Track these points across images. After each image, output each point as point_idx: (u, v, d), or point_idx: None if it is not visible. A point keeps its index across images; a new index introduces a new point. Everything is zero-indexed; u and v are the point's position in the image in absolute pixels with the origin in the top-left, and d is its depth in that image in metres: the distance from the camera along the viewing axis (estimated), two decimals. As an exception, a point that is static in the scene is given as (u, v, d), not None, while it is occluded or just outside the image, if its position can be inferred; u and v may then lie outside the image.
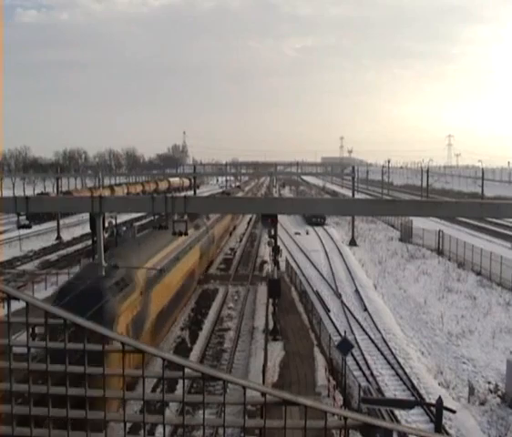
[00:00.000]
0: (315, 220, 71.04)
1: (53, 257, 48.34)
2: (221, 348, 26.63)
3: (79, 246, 52.78)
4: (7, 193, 72.93)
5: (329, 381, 21.24)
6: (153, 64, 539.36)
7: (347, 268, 44.87)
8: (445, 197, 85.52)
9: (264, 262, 46.63)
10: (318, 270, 43.86)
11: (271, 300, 29.59)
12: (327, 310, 32.62)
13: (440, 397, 13.61)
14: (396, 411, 18.30)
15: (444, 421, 15.71)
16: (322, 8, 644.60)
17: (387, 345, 26.95)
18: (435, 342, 28.32)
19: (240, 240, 61.98)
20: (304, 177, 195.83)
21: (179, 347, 26.32)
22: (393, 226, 70.08)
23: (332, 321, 30.60)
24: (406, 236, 60.02)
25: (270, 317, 28.95)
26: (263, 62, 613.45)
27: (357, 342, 26.53)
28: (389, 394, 21.35)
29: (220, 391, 10.60)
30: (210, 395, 2.84)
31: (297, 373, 22.48)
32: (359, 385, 20.36)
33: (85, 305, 14.92)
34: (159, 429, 12.25)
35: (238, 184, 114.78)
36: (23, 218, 59.62)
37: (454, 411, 15.35)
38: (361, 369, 24.07)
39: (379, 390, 21.75)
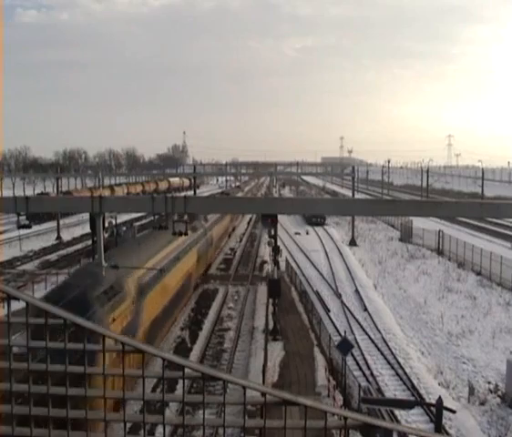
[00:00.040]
0: (315, 220, 71.03)
1: (53, 257, 48.34)
2: (221, 348, 26.64)
3: (79, 246, 52.79)
4: (7, 193, 72.93)
5: (329, 381, 21.25)
6: (153, 64, 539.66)
7: (347, 268, 44.87)
8: (445, 197, 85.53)
9: (264, 262, 46.63)
10: (318, 270, 43.86)
11: (271, 300, 29.59)
12: (327, 310, 32.62)
13: (440, 397, 13.61)
14: (396, 411, 18.30)
15: (444, 421, 15.71)
16: (322, 8, 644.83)
17: (387, 345, 26.95)
18: (435, 342, 28.32)
19: (240, 240, 61.99)
20: (304, 177, 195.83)
21: (179, 347, 26.33)
22: (393, 226, 70.07)
23: (332, 321, 30.59)
24: (406, 236, 60.03)
25: (270, 317, 28.95)
26: (263, 62, 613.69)
27: (357, 342, 26.53)
28: (389, 394, 21.35)
29: (220, 391, 10.60)
30: (210, 395, 2.84)
31: (297, 373, 22.48)
32: (359, 385, 20.36)
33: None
34: (159, 429, 12.25)
35: (237, 184, 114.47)
36: (23, 218, 59.65)
37: (454, 411, 15.35)
38: (361, 369, 24.07)
39: (379, 390, 21.75)
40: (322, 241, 58.90)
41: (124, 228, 33.80)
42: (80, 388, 2.63)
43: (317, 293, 36.13)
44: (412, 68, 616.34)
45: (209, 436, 16.00)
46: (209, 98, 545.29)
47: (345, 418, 2.48)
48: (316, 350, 25.34)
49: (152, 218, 56.68)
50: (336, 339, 24.15)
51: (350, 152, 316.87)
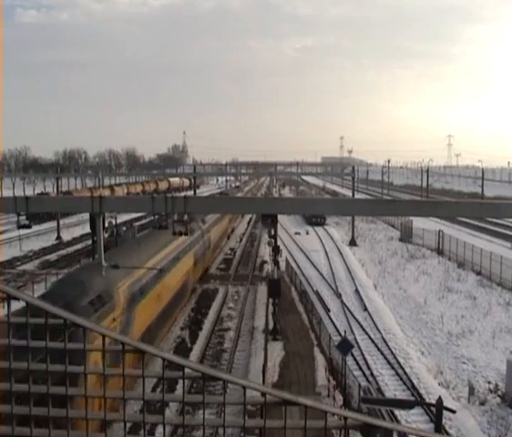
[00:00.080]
0: (315, 220, 71.02)
1: (53, 257, 48.34)
2: (221, 348, 26.64)
3: (79, 246, 52.78)
4: (7, 193, 72.93)
5: (329, 380, 21.24)
6: (153, 64, 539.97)
7: (347, 268, 44.87)
8: (445, 197, 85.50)
9: (264, 262, 46.63)
10: (318, 270, 43.85)
11: (271, 300, 29.59)
12: (327, 310, 32.62)
13: (440, 397, 13.61)
14: (396, 411, 18.30)
15: (444, 421, 15.71)
16: (322, 8, 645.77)
17: (387, 345, 26.95)
18: (435, 342, 28.32)
19: (240, 240, 61.98)
20: (304, 177, 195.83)
21: (179, 347, 26.33)
22: (393, 226, 70.07)
23: (332, 321, 30.59)
24: (406, 236, 60.03)
25: (270, 317, 28.94)
26: (263, 62, 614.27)
27: (357, 342, 26.53)
28: (389, 394, 21.35)
29: (220, 391, 10.60)
30: (210, 395, 2.84)
31: (297, 373, 22.48)
32: (359, 385, 20.36)
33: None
34: (159, 429, 12.26)
35: (237, 184, 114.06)
36: (23, 218, 59.60)
37: (454, 411, 15.35)
38: (361, 369, 24.07)
39: (379, 390, 21.76)
40: (322, 241, 58.90)
41: (124, 228, 33.78)
42: (80, 388, 2.63)
43: (317, 293, 36.13)
44: (412, 68, 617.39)
45: (209, 436, 16.00)
46: (209, 98, 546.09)
47: (345, 418, 2.48)
48: (316, 350, 25.34)
49: (152, 217, 56.69)
50: (336, 339, 24.16)
51: (350, 152, 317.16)
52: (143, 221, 63.19)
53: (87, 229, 38.53)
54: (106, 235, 26.64)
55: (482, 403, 21.02)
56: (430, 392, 21.59)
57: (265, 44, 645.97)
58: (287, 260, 43.88)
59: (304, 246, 54.97)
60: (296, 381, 21.54)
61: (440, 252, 51.54)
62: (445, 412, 13.20)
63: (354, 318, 31.46)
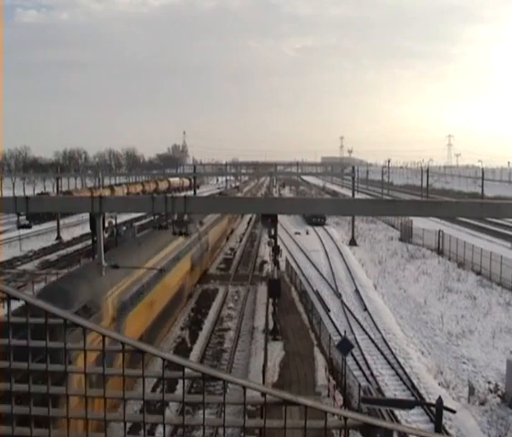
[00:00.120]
0: (315, 220, 71.04)
1: (53, 257, 48.34)
2: (221, 348, 26.64)
3: (79, 246, 52.78)
4: (7, 193, 72.94)
5: (329, 380, 21.24)
6: (153, 64, 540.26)
7: (347, 267, 44.87)
8: (445, 197, 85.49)
9: (264, 262, 46.63)
10: (318, 270, 43.86)
11: (271, 300, 29.59)
12: (327, 310, 32.62)
13: (440, 397, 13.61)
14: (396, 411, 18.30)
15: (444, 421, 15.71)
16: (322, 8, 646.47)
17: (387, 345, 26.96)
18: (435, 342, 28.32)
19: (240, 240, 61.99)
20: (304, 177, 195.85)
21: (179, 347, 26.34)
22: (393, 226, 70.08)
23: (332, 321, 30.60)
24: (406, 236, 60.03)
25: (270, 317, 28.95)
26: (263, 62, 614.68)
27: (357, 342, 26.54)
28: (389, 394, 21.35)
29: (220, 391, 10.60)
30: (210, 395, 2.84)
31: (297, 373, 22.48)
32: (359, 385, 20.37)
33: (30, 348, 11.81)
34: (159, 429, 12.26)
35: (236, 185, 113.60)
36: (23, 218, 59.75)
37: (454, 411, 15.34)
38: (361, 369, 24.08)
39: (379, 390, 21.76)
40: (322, 241, 58.90)
41: (124, 228, 33.77)
42: (80, 388, 2.63)
43: (317, 293, 36.13)
44: (412, 68, 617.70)
45: (209, 436, 16.00)
46: (209, 98, 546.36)
47: (345, 418, 2.48)
48: (316, 349, 25.34)
49: (152, 217, 56.69)
50: (336, 339, 24.16)
51: (350, 152, 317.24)
52: (143, 221, 63.19)
53: (87, 229, 38.51)
54: (106, 235, 26.64)
55: (482, 403, 21.02)
56: (430, 392, 21.60)
57: (265, 44, 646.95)
58: (287, 260, 43.88)
59: (304, 246, 54.97)
60: (296, 381, 21.54)
61: (440, 252, 51.54)
62: (445, 412, 13.20)
63: (354, 318, 31.47)
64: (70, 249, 51.51)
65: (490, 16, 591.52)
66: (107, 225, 28.23)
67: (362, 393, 19.02)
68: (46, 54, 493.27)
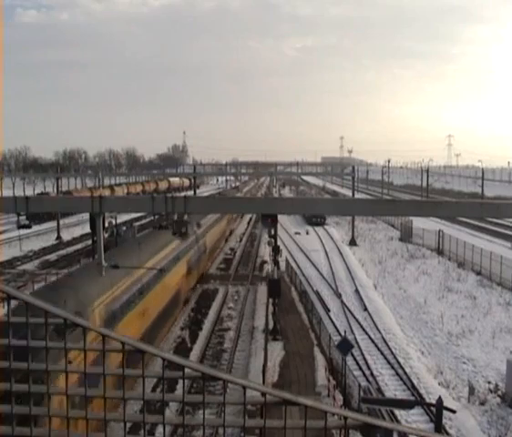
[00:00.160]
0: (315, 220, 71.05)
1: (53, 257, 48.35)
2: (221, 348, 26.64)
3: (79, 246, 52.79)
4: (7, 193, 72.93)
5: (329, 380, 21.24)
6: (153, 64, 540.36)
7: (347, 267, 44.87)
8: (445, 197, 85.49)
9: (264, 262, 46.62)
10: (318, 270, 43.86)
11: (271, 300, 29.59)
12: (327, 310, 32.62)
13: (440, 397, 13.60)
14: (396, 411, 18.30)
15: (444, 421, 15.70)
16: (322, 8, 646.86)
17: (387, 345, 26.96)
18: (435, 342, 28.32)
19: (240, 240, 62.00)
20: (304, 177, 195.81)
21: (179, 347, 26.34)
22: (393, 226, 70.08)
23: (332, 321, 30.60)
24: (406, 236, 60.04)
25: (270, 317, 28.95)
26: (263, 62, 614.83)
27: (357, 342, 26.53)
28: (389, 394, 21.35)
29: (220, 391, 10.60)
30: (210, 395, 2.84)
31: (297, 373, 22.48)
32: (359, 385, 20.37)
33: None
34: (159, 429, 12.25)
35: (235, 185, 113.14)
36: (23, 218, 59.78)
37: (454, 411, 15.34)
38: (361, 369, 24.08)
39: (379, 389, 21.76)
40: (322, 241, 58.90)
41: (124, 228, 33.79)
42: (81, 388, 2.63)
43: (317, 293, 36.13)
44: (412, 68, 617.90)
45: (209, 436, 16.00)
46: (209, 98, 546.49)
47: (345, 418, 2.48)
48: (316, 349, 25.34)
49: (152, 217, 56.71)
50: (336, 338, 24.16)
51: (350, 152, 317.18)
52: (143, 221, 63.20)
53: (87, 229, 38.53)
54: (106, 235, 26.64)
55: (482, 403, 21.02)
56: (430, 392, 21.60)
57: (265, 44, 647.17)
58: (287, 260, 43.88)
59: (304, 246, 54.97)
60: (296, 381, 21.54)
61: (440, 252, 51.55)
62: (445, 412, 13.20)
63: (354, 318, 31.46)
64: (70, 249, 51.52)
65: (490, 16, 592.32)
66: (107, 225, 28.25)
67: (362, 393, 19.02)
68: (46, 54, 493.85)
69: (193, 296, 35.42)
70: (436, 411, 12.74)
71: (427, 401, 19.86)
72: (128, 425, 2.68)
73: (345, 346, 19.86)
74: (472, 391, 21.68)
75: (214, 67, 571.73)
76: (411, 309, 34.02)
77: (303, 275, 41.29)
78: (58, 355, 2.72)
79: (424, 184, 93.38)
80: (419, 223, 56.94)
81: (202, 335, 28.17)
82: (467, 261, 45.26)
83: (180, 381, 2.57)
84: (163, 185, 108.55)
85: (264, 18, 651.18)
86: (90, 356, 2.62)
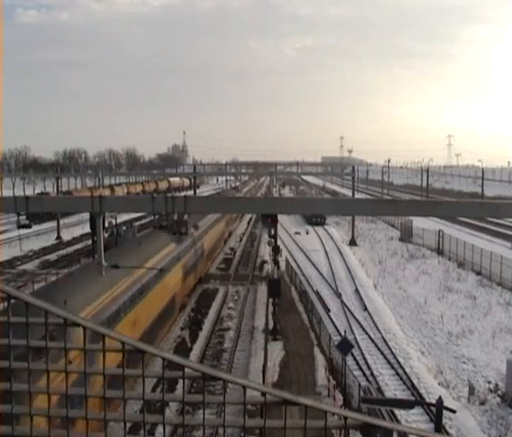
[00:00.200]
0: (315, 220, 71.05)
1: (53, 257, 48.35)
2: (221, 348, 26.65)
3: (79, 246, 52.79)
4: (7, 193, 72.93)
5: (329, 380, 21.25)
6: (153, 64, 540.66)
7: (347, 267, 44.87)
8: (445, 196, 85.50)
9: (264, 262, 46.63)
10: (318, 270, 43.86)
11: (271, 300, 29.60)
12: (327, 310, 32.62)
13: (440, 397, 13.60)
14: (396, 411, 18.30)
15: (444, 420, 15.70)
16: (322, 8, 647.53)
17: (387, 345, 26.96)
18: (435, 342, 28.32)
19: (240, 240, 62.01)
20: (304, 177, 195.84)
21: (179, 347, 26.34)
22: (393, 225, 70.08)
23: (332, 321, 30.60)
24: (406, 235, 60.03)
25: (270, 317, 28.95)
26: (263, 62, 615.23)
27: (357, 342, 26.53)
28: (389, 394, 21.35)
29: (220, 390, 10.60)
30: (210, 395, 2.83)
31: (297, 373, 22.48)
32: (359, 385, 20.37)
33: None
34: (159, 429, 12.25)
35: (235, 185, 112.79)
36: (23, 217, 59.80)
37: (454, 411, 15.33)
38: (361, 368, 24.08)
39: (379, 389, 21.76)
40: (322, 241, 58.90)
41: (124, 228, 33.79)
42: (80, 387, 2.63)
43: (317, 293, 36.13)
44: (412, 68, 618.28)
45: (209, 436, 16.00)
46: (209, 98, 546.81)
47: (345, 418, 2.48)
48: (316, 349, 25.34)
49: (152, 217, 56.69)
50: (336, 338, 24.16)
51: (350, 152, 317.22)
52: (143, 221, 63.20)
53: (87, 229, 38.51)
54: (106, 235, 26.62)
55: (482, 403, 21.02)
56: (430, 392, 21.60)
57: (265, 44, 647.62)
58: (287, 260, 43.88)
59: (304, 246, 54.97)
60: (296, 381, 21.54)
61: (440, 252, 51.54)
62: (445, 412, 13.20)
63: (354, 317, 31.46)
64: (70, 249, 51.52)
65: (490, 16, 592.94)
66: (107, 225, 28.24)
67: (362, 393, 19.03)
68: (46, 54, 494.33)
69: (193, 296, 35.40)
70: (436, 411, 12.74)
71: (427, 400, 19.86)
72: (128, 425, 2.68)
73: (345, 346, 19.86)
74: (472, 390, 21.68)
75: (214, 67, 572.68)
76: (411, 309, 34.02)
77: (303, 275, 41.29)
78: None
79: (424, 184, 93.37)
80: (419, 223, 56.95)
81: (202, 335, 28.17)
82: (467, 261, 45.26)
83: (180, 381, 2.57)
84: (163, 185, 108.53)
85: (264, 18, 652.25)
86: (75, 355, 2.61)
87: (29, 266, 43.99)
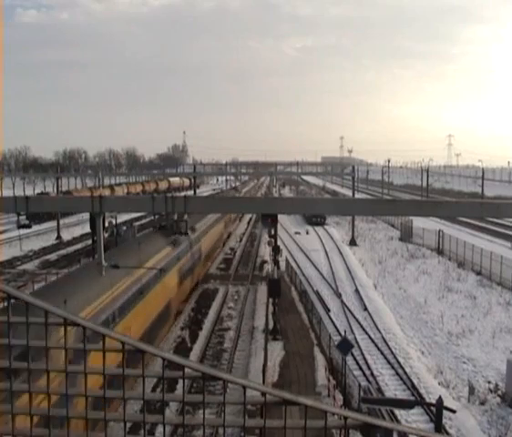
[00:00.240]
0: (315, 220, 71.06)
1: (53, 256, 48.35)
2: (221, 347, 26.65)
3: (79, 246, 52.80)
4: (7, 193, 72.95)
5: (329, 380, 21.24)
6: (153, 64, 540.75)
7: (347, 267, 44.87)
8: (446, 196, 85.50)
9: (264, 262, 46.64)
10: (318, 270, 43.85)
11: (271, 300, 29.59)
12: (327, 310, 32.62)
13: (440, 397, 13.60)
14: (396, 411, 18.30)
15: (444, 420, 15.70)
16: (322, 8, 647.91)
17: (387, 345, 26.95)
18: (435, 342, 28.32)
19: (240, 240, 62.01)
20: (304, 177, 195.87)
21: (179, 347, 26.35)
22: (393, 225, 70.08)
23: (332, 321, 30.59)
24: (406, 235, 60.03)
25: (270, 316, 28.95)
26: (263, 62, 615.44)
27: (357, 342, 26.53)
28: (389, 394, 21.34)
29: (220, 390, 10.59)
30: (210, 395, 2.83)
31: (297, 373, 22.48)
32: (359, 385, 20.37)
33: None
34: (159, 428, 12.25)
35: (234, 185, 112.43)
36: (23, 217, 59.81)
37: (454, 411, 15.33)
38: (361, 368, 24.08)
39: (379, 389, 21.76)
40: (322, 241, 58.90)
41: (124, 228, 33.79)
42: (80, 388, 2.63)
43: (317, 293, 36.13)
44: (412, 68, 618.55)
45: (209, 436, 16.00)
46: (209, 98, 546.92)
47: (345, 418, 2.48)
48: (316, 349, 25.34)
49: (152, 217, 56.68)
50: (336, 338, 24.15)
51: (350, 152, 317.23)
52: (143, 221, 63.19)
53: (87, 229, 38.52)
54: (106, 235, 26.62)
55: (482, 403, 21.02)
56: (430, 392, 21.59)
57: (265, 44, 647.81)
58: (287, 260, 43.88)
59: (304, 245, 54.97)
60: (296, 381, 21.54)
61: (440, 252, 51.54)
62: (445, 412, 13.20)
63: (354, 317, 31.46)
64: (70, 249, 51.53)
65: (490, 16, 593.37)
66: (107, 225, 28.23)
67: (362, 393, 19.03)
68: (46, 54, 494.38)
69: (193, 296, 35.40)
70: (436, 411, 12.74)
71: (427, 400, 19.86)
72: (128, 425, 2.68)
73: (345, 346, 19.86)
74: (472, 390, 21.68)
75: (214, 67, 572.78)
76: (411, 309, 34.01)
77: (303, 275, 41.29)
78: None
79: (424, 184, 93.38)
80: (419, 223, 56.95)
81: (202, 335, 28.17)
82: (467, 261, 45.26)
83: (180, 381, 2.57)
84: (163, 185, 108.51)
85: (264, 18, 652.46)
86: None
87: (29, 266, 43.98)
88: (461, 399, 21.50)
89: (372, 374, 23.47)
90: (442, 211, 26.43)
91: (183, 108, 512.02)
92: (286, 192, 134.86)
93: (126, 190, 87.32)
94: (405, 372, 23.61)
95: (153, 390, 16.10)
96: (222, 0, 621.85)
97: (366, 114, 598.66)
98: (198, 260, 36.23)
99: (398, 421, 18.28)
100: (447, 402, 16.68)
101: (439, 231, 52.98)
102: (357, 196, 66.18)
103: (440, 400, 12.53)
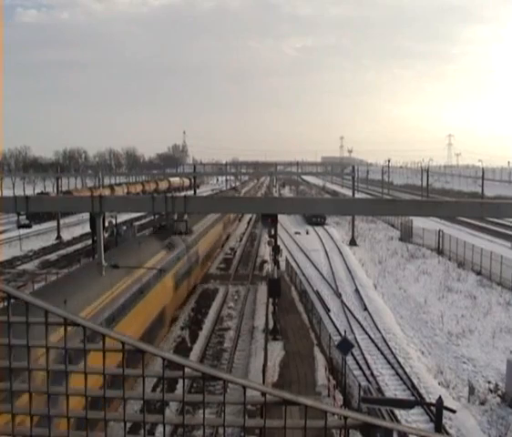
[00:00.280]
0: (315, 220, 71.06)
1: (53, 256, 48.35)
2: (221, 347, 26.65)
3: (79, 245, 52.80)
4: (7, 193, 72.95)
5: (329, 380, 21.24)
6: (153, 64, 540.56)
7: (347, 267, 44.87)
8: (446, 196, 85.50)
9: (264, 262, 46.63)
10: (318, 270, 43.85)
11: (271, 300, 29.59)
12: (327, 310, 32.62)
13: (440, 397, 13.60)
14: (396, 411, 18.30)
15: (444, 420, 15.70)
16: (322, 8, 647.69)
17: (387, 345, 26.95)
18: (435, 342, 28.32)
19: (241, 240, 62.01)
20: (304, 177, 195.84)
21: (180, 346, 26.34)
22: (393, 225, 70.08)
23: (332, 321, 30.59)
24: (406, 235, 60.03)
25: (270, 316, 28.95)
26: (263, 62, 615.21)
27: (357, 342, 26.53)
28: (389, 394, 21.34)
29: (220, 390, 10.60)
30: (210, 395, 2.83)
31: (297, 373, 22.47)
32: (359, 385, 20.37)
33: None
34: (159, 428, 12.25)
35: (234, 185, 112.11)
36: (23, 217, 59.80)
37: (454, 411, 15.33)
38: (361, 368, 24.08)
39: (379, 389, 21.76)
40: (322, 241, 58.90)
41: (124, 228, 33.80)
42: (80, 388, 2.63)
43: (317, 293, 36.12)
44: (412, 68, 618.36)
45: (209, 436, 16.01)
46: (209, 98, 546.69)
47: (345, 417, 2.48)
48: (316, 349, 25.34)
49: (152, 217, 56.68)
50: (336, 338, 24.15)
51: (350, 152, 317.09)
52: (143, 221, 63.20)
53: (87, 229, 38.52)
54: (106, 235, 26.62)
55: (482, 403, 21.02)
56: (430, 392, 21.59)
57: (265, 44, 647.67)
58: (287, 260, 43.88)
59: (304, 245, 54.97)
60: (296, 381, 21.54)
61: (440, 252, 51.53)
62: (445, 412, 13.20)
63: (354, 317, 31.46)
64: (70, 249, 51.53)
65: (490, 16, 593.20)
66: (107, 225, 28.23)
67: (362, 393, 19.02)
68: (46, 54, 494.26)
69: (193, 296, 35.39)
70: (436, 411, 12.74)
71: (427, 400, 19.86)
72: (128, 425, 2.67)
73: (345, 346, 19.86)
74: (472, 390, 21.68)
75: (214, 67, 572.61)
76: (411, 309, 34.01)
77: (303, 275, 41.29)
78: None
79: (424, 184, 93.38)
80: (419, 223, 56.94)
81: (202, 335, 28.16)
82: (467, 261, 45.25)
83: (180, 381, 2.57)
84: (163, 185, 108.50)
85: (264, 18, 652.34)
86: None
87: (29, 266, 43.99)
88: (461, 399, 21.50)
89: (372, 374, 23.47)
90: (442, 211, 26.44)
91: (183, 108, 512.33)
92: (286, 192, 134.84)
93: (126, 190, 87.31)
94: (405, 372, 23.61)
95: (153, 389, 16.10)
96: (222, 0, 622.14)
97: (366, 114, 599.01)
98: (195, 264, 34.94)
99: (398, 421, 18.27)
100: (447, 402, 16.68)
101: (439, 231, 52.98)
102: (357, 196, 66.18)
103: (440, 400, 12.53)
